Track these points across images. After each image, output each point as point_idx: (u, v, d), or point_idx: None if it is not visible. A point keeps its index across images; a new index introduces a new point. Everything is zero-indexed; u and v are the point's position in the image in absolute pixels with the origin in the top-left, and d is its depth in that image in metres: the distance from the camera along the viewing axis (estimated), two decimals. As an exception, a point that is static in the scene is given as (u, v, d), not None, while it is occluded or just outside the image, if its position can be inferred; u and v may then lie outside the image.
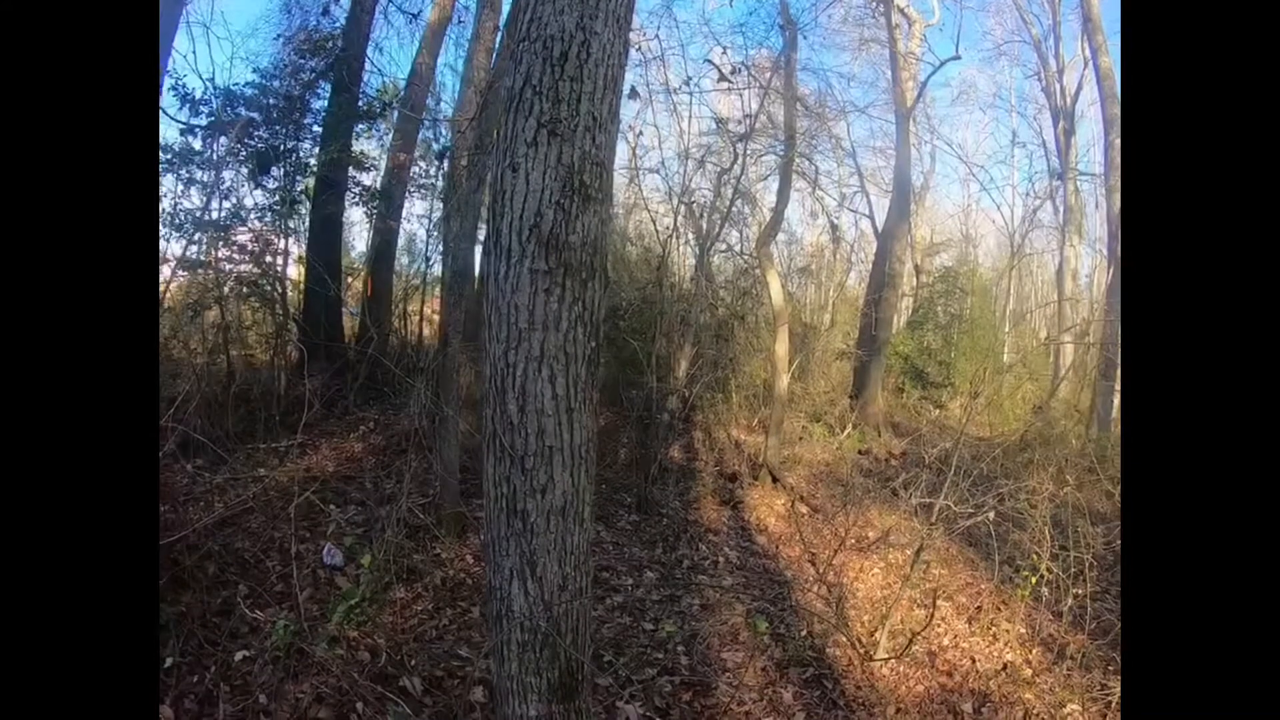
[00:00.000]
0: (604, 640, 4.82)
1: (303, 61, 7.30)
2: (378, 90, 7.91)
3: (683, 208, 7.28)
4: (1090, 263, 14.30)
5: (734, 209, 8.05)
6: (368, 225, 8.41)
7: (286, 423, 6.51)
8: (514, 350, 2.33)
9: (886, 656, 4.71)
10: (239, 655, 4.13)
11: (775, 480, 7.55)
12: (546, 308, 2.30)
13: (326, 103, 7.34)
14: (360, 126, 7.75)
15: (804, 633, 5.08)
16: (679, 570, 5.91)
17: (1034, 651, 4.82)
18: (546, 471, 2.37)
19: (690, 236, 7.90)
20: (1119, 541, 5.02)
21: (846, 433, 8.78)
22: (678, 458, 7.80)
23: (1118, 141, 10.14)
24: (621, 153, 7.95)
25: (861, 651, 4.87)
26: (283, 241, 7.07)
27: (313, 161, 7.17)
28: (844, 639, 4.98)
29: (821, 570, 5.92)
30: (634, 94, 6.11)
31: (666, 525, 6.65)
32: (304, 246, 7.56)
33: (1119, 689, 4.15)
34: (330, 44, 7.42)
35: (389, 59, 11.89)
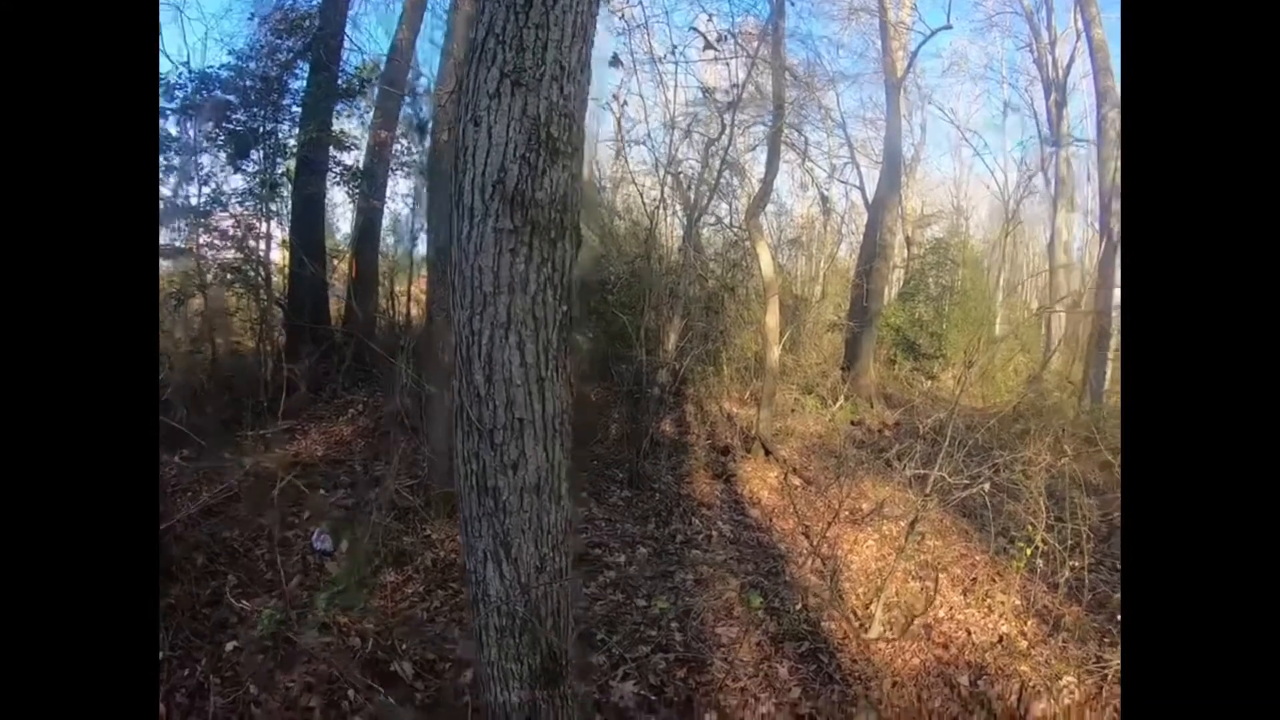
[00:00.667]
0: (596, 618, 4.68)
1: (279, 41, 6.96)
2: (357, 68, 7.58)
3: (669, 179, 7.00)
4: (1082, 235, 14.03)
5: (723, 181, 7.77)
6: (351, 205, 8.11)
7: (274, 409, 6.30)
8: (479, 316, 2.15)
9: (882, 632, 4.55)
10: (229, 646, 4.03)
11: (768, 453, 7.36)
12: (513, 269, 2.12)
13: (305, 83, 7.01)
14: (340, 105, 7.42)
15: (799, 606, 4.93)
16: (672, 545, 5.74)
17: (1029, 623, 4.67)
18: (517, 446, 2.19)
19: (678, 208, 7.63)
20: (1115, 513, 4.88)
21: (839, 404, 8.57)
22: (669, 432, 7.61)
23: (1110, 114, 9.91)
24: (608, 125, 7.67)
25: (857, 625, 4.71)
26: (264, 225, 6.79)
27: (292, 142, 6.86)
28: (837, 613, 4.83)
29: (815, 543, 5.74)
30: (616, 61, 5.81)
31: (659, 500, 6.47)
32: (287, 230, 7.27)
33: (1116, 661, 4.00)
34: (307, 23, 7.08)
35: (368, 35, 11.48)
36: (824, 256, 12.26)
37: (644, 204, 7.16)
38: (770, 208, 10.66)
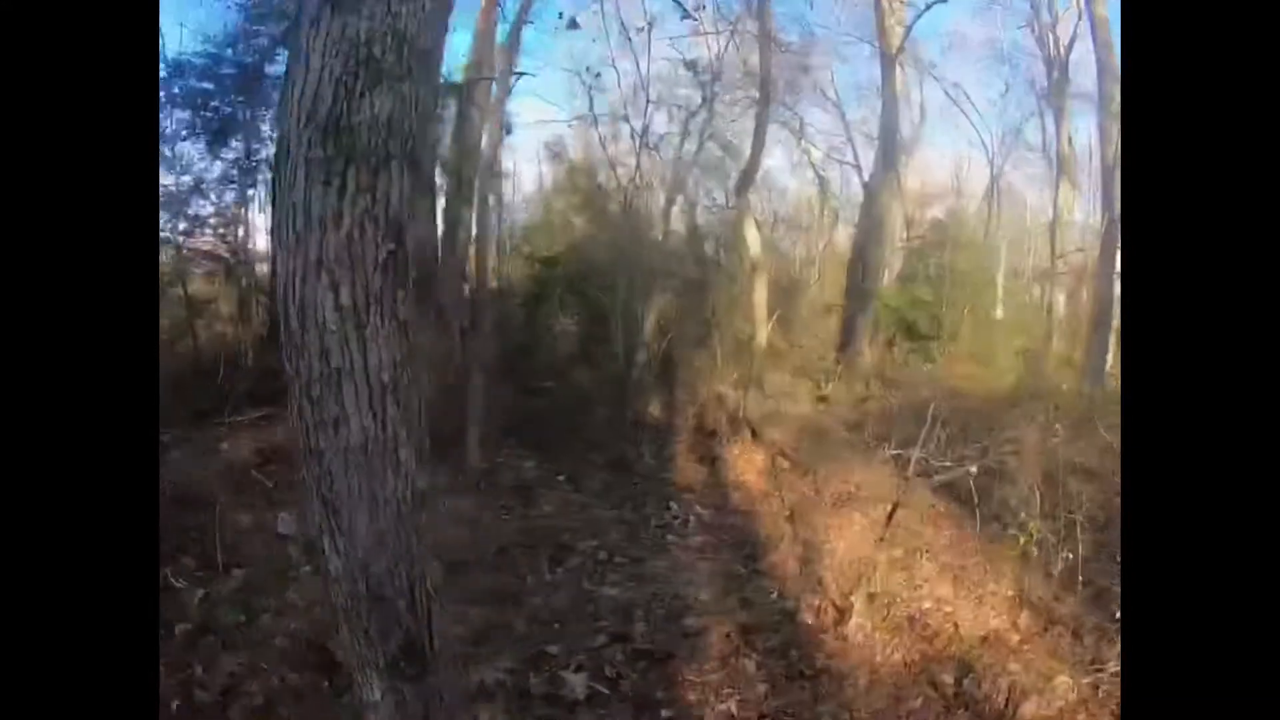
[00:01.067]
0: (557, 607, 4.24)
1: (257, 28, 6.53)
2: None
3: (646, 153, 6.44)
4: (1084, 216, 13.02)
5: (715, 159, 7.20)
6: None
7: (254, 396, 5.95)
8: (293, 256, 1.83)
9: (861, 624, 3.99)
10: (179, 629, 3.81)
11: (755, 435, 6.78)
12: (324, 202, 1.78)
13: (284, 68, 6.57)
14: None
15: (774, 596, 4.40)
16: (645, 531, 5.26)
17: (1022, 615, 4.05)
18: (336, 401, 1.85)
19: (661, 185, 7.05)
20: (1116, 499, 4.23)
21: (831, 386, 7.93)
22: (657, 414, 7.10)
23: (1112, 89, 9.15)
24: (598, 103, 7.14)
25: (835, 617, 4.16)
26: (244, 212, 6.44)
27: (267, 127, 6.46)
28: (817, 603, 4.29)
29: (797, 528, 5.18)
30: (574, 24, 5.26)
31: (638, 484, 5.99)
32: (269, 217, 6.88)
33: (1113, 664, 3.41)
34: (287, 7, 6.64)
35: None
36: (821, 238, 11.53)
37: (618, 180, 6.61)
38: (766, 189, 10.03)
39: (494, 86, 6.07)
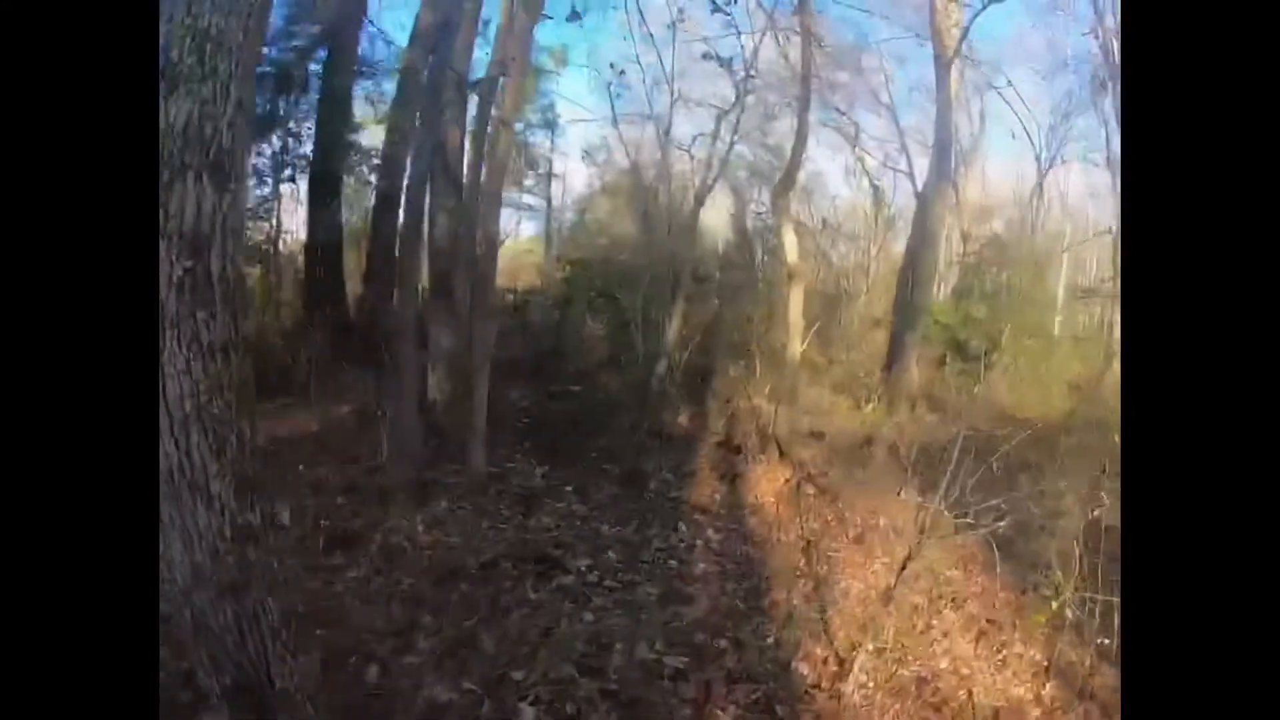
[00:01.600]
0: (532, 629, 3.85)
1: (295, 28, 6.47)
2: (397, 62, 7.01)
3: (678, 153, 5.99)
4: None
5: (753, 162, 6.67)
6: (372, 188, 7.59)
7: (282, 387, 5.92)
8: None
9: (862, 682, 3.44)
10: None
11: (782, 454, 6.20)
12: None
13: (322, 67, 6.53)
14: (362, 87, 6.92)
15: (769, 640, 3.89)
16: (645, 553, 4.80)
17: (1049, 686, 3.42)
18: None
19: (692, 187, 6.55)
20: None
21: (871, 406, 7.22)
22: (680, 426, 6.60)
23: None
24: (631, 102, 6.73)
25: (834, 671, 3.63)
26: (277, 206, 6.42)
27: (310, 126, 6.41)
28: (817, 652, 3.77)
29: (812, 562, 4.64)
30: (575, 16, 4.86)
31: (648, 500, 5.54)
32: (305, 211, 6.87)
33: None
34: (325, 7, 6.56)
35: (394, 17, 11.09)
36: (874, 248, 10.67)
37: (638, 180, 6.18)
38: (816, 195, 9.33)
39: (522, 84, 5.81)
